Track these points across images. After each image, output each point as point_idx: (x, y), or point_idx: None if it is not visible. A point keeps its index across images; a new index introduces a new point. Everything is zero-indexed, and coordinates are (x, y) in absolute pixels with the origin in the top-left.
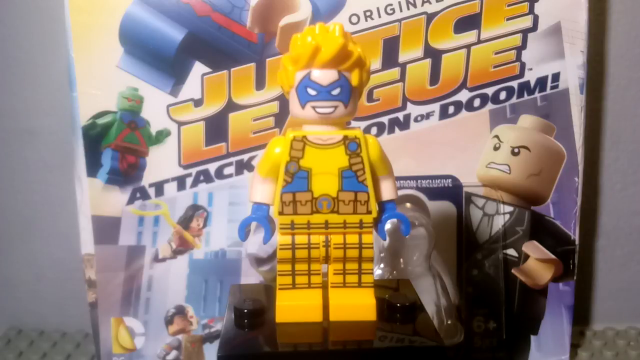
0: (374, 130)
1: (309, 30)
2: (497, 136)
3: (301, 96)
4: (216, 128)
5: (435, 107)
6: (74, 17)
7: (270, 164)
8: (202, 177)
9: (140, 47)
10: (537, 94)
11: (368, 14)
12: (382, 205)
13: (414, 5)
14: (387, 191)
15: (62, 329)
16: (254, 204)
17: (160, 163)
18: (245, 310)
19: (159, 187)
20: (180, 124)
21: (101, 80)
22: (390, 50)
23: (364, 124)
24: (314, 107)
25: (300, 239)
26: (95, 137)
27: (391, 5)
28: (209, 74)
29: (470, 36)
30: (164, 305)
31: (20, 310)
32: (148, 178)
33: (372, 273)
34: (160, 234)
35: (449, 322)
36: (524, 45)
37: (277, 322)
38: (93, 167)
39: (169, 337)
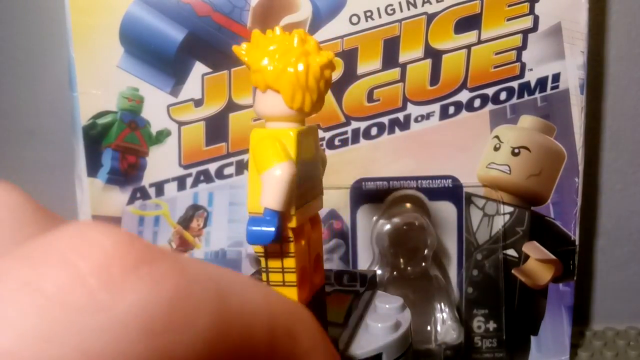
0: (374, 130)
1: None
2: (497, 136)
3: None
4: (216, 128)
5: (436, 107)
6: (75, 17)
7: None
8: (202, 177)
9: (140, 47)
10: (537, 95)
11: (368, 14)
12: None
13: (415, 6)
14: None
15: None
16: None
17: (161, 163)
18: None
19: (159, 187)
20: (180, 124)
21: (101, 80)
22: (391, 51)
23: (364, 124)
24: None
25: None
26: (96, 137)
27: (391, 5)
28: (209, 74)
29: (470, 36)
30: None
31: None
32: (148, 178)
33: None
34: (160, 234)
35: (449, 322)
36: (524, 46)
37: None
38: (93, 167)
39: None
